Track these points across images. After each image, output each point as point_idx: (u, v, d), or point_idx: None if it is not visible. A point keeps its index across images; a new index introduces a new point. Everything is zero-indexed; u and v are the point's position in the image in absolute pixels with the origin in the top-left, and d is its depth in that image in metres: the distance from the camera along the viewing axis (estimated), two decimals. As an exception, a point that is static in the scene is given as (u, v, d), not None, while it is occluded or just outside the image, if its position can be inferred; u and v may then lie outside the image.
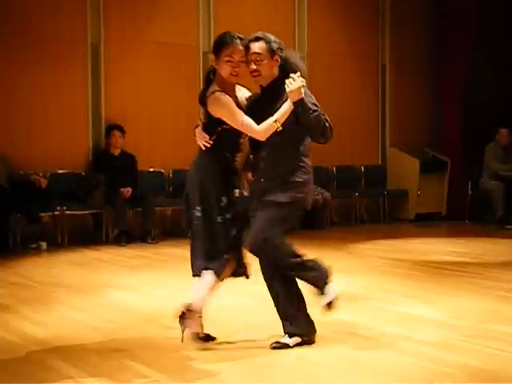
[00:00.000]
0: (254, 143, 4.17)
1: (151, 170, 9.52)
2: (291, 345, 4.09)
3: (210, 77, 4.12)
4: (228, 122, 4.01)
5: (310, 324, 4.21)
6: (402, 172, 11.29)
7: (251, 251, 4.11)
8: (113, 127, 9.08)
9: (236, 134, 4.10)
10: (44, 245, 8.29)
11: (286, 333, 4.16)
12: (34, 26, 8.80)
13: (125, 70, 9.36)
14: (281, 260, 4.13)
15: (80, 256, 7.85)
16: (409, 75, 11.71)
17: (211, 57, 4.14)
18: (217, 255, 4.07)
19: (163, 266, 7.19)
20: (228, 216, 4.10)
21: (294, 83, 3.99)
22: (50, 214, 8.47)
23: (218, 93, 4.00)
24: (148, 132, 9.54)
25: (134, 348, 4.14)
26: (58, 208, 8.47)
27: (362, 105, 11.40)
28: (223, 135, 4.06)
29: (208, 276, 4.05)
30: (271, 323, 4.35)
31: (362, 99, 11.41)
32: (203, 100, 4.06)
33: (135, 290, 5.91)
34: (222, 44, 4.07)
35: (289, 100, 4.01)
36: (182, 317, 4.03)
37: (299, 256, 4.18)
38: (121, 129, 9.06)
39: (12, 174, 8.39)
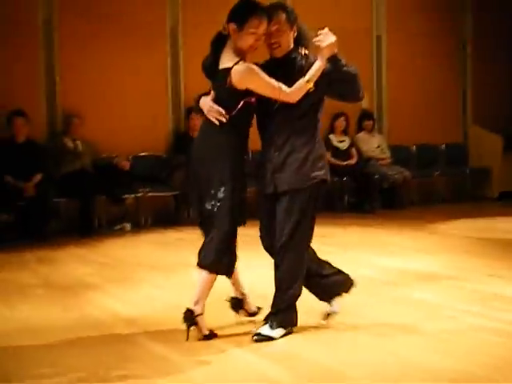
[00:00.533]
0: (262, 117, 3.92)
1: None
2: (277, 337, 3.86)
3: (219, 46, 3.85)
4: (260, 91, 3.75)
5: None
6: (485, 149, 11.04)
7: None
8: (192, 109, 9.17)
9: (253, 108, 3.86)
10: (128, 226, 8.50)
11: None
12: (114, 8, 8.96)
13: (203, 52, 9.40)
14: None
15: (162, 236, 8.01)
16: (490, 50, 11.41)
17: (231, 26, 3.79)
18: (229, 248, 3.94)
19: (245, 245, 7.23)
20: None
21: (327, 37, 3.83)
22: (133, 195, 8.66)
23: (244, 63, 3.74)
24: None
25: (217, 325, 4.17)
26: (141, 190, 8.65)
27: (442, 82, 11.18)
28: (245, 109, 3.81)
29: (211, 275, 3.94)
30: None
31: (443, 76, 11.19)
32: (220, 72, 3.78)
33: (217, 269, 5.97)
34: (249, 14, 3.75)
35: (319, 59, 3.79)
36: (188, 315, 3.89)
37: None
38: (200, 111, 9.12)
39: (96, 158, 8.62)
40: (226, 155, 3.83)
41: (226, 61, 3.79)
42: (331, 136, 10.08)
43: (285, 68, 3.87)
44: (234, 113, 3.79)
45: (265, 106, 3.86)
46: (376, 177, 9.89)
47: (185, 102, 9.35)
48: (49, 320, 4.44)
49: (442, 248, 6.80)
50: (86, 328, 4.24)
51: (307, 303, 4.16)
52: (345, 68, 3.89)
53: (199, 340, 3.90)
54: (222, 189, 3.82)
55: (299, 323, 4.04)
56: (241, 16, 3.77)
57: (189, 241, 7.64)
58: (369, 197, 9.77)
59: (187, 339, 3.88)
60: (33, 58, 8.61)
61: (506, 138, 10.84)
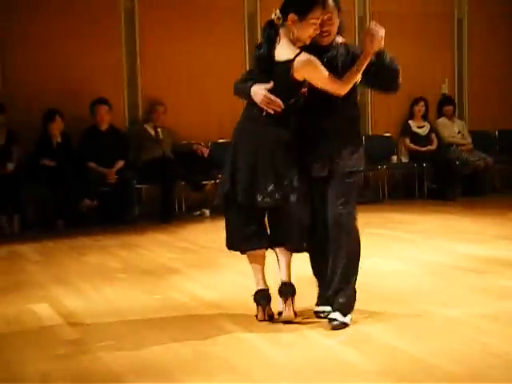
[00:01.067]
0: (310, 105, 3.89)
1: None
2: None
3: (272, 36, 3.79)
4: (319, 83, 3.76)
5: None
6: None
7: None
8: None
9: (304, 99, 3.88)
10: (207, 212, 8.60)
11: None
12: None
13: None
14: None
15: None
16: None
17: (291, 16, 3.74)
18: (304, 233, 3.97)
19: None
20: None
21: (379, 31, 3.82)
22: (212, 181, 8.75)
23: (306, 54, 3.74)
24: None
25: (303, 311, 4.19)
26: (220, 176, 8.70)
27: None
28: (299, 100, 3.85)
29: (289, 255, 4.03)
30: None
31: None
32: (280, 64, 3.77)
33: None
34: (311, 4, 3.73)
35: (367, 50, 3.78)
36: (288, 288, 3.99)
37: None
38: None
39: (176, 144, 8.75)
40: (288, 147, 3.88)
41: (286, 52, 3.78)
42: (410, 122, 9.95)
43: (328, 55, 3.88)
44: (291, 103, 3.82)
45: (312, 95, 3.86)
46: (457, 163, 9.71)
47: (263, 88, 9.37)
48: (132, 303, 4.55)
49: (526, 236, 6.63)
50: (168, 310, 4.32)
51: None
52: (388, 64, 3.90)
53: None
54: (296, 177, 3.87)
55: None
56: (303, 6, 3.76)
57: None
58: (449, 184, 9.59)
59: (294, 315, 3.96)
60: (114, 47, 8.78)
61: None
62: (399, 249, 6.11)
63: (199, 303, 4.49)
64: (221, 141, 9.14)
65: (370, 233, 6.97)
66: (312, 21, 3.75)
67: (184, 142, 8.86)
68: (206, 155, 8.64)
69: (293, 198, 3.88)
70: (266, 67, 3.84)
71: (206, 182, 8.69)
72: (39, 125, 8.06)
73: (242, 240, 4.06)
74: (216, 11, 9.19)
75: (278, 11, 3.78)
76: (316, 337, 3.74)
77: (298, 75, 3.75)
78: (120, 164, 8.20)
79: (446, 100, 10.25)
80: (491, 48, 10.61)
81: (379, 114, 9.49)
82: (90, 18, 8.60)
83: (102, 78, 8.65)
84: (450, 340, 3.60)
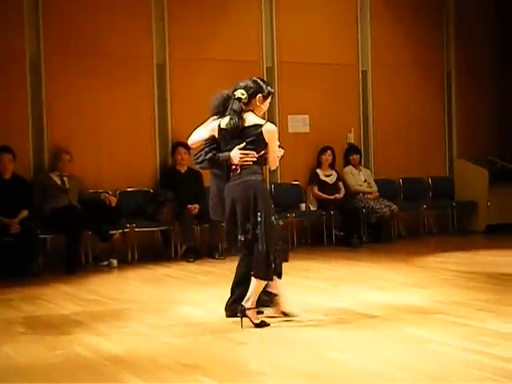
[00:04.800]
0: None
1: (217, 186, 9.56)
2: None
3: (241, 109, 5.04)
4: (271, 149, 5.08)
5: None
6: (471, 183, 11.08)
7: None
8: (178, 144, 9.18)
9: None
10: (115, 262, 8.43)
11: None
12: (101, 46, 9.00)
13: (190, 87, 9.48)
14: None
15: (150, 272, 7.96)
16: (475, 82, 11.54)
17: (260, 97, 5.14)
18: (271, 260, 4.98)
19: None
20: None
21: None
22: (120, 231, 8.61)
23: (273, 125, 5.15)
24: (214, 148, 9.60)
25: (207, 364, 4.16)
26: (128, 225, 8.61)
27: (428, 116, 11.28)
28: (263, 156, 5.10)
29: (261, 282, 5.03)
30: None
31: (428, 110, 11.28)
32: (253, 126, 5.04)
33: (205, 305, 5.94)
34: (271, 91, 5.26)
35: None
36: (240, 309, 4.95)
37: None
38: (185, 146, 9.07)
39: (82, 193, 8.59)
40: (260, 190, 5.03)
41: (255, 119, 5.10)
42: (318, 170, 10.12)
43: None
44: (260, 155, 5.07)
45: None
46: (363, 211, 9.91)
47: (172, 136, 9.38)
48: (33, 359, 4.37)
49: (431, 282, 6.78)
50: (71, 367, 4.18)
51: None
52: None
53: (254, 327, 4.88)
54: (259, 214, 4.94)
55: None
56: (268, 92, 5.26)
57: (176, 277, 7.61)
58: (356, 231, 9.77)
59: (241, 327, 4.90)
60: (19, 95, 8.61)
61: (492, 172, 10.90)
62: (306, 296, 6.14)
63: (103, 358, 4.35)
64: (129, 189, 9.06)
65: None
66: (268, 101, 5.23)
67: (91, 190, 8.71)
68: (113, 204, 8.50)
69: (257, 231, 4.96)
70: (236, 133, 5.01)
71: (114, 232, 8.54)
72: None
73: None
74: (124, 60, 9.15)
75: (243, 91, 5.07)
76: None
77: (266, 136, 5.02)
78: (24, 214, 7.96)
79: (352, 149, 10.49)
80: (395, 98, 10.96)
81: (287, 163, 9.60)
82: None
83: (6, 126, 8.45)
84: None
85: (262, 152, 5.06)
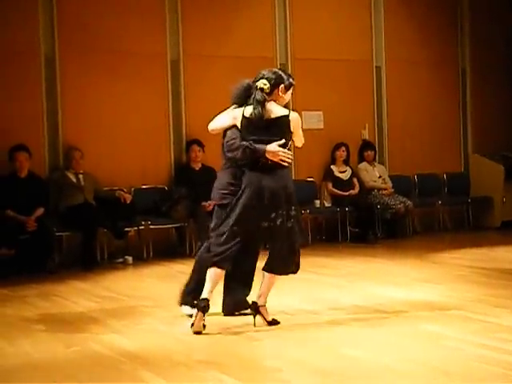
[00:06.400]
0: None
1: (232, 182, 9.57)
2: None
3: (264, 99, 4.93)
4: (297, 135, 5.04)
5: None
6: (486, 179, 11.03)
7: None
8: (192, 142, 9.21)
9: None
10: (130, 259, 8.47)
11: None
12: (115, 43, 9.03)
13: (204, 84, 9.50)
14: None
15: (165, 269, 7.98)
16: (490, 79, 11.49)
17: (282, 87, 5.02)
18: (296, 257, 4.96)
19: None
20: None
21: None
22: (135, 228, 8.64)
23: (296, 113, 5.02)
24: (228, 145, 9.61)
25: (221, 360, 4.17)
26: (143, 222, 8.64)
27: (442, 111, 11.23)
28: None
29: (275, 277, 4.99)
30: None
31: (443, 106, 11.24)
32: (279, 118, 4.92)
33: (219, 302, 5.93)
34: (292, 82, 5.12)
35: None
36: (255, 308, 4.92)
37: None
38: (199, 143, 9.18)
39: (98, 191, 8.63)
40: (291, 185, 5.02)
41: (280, 110, 4.98)
42: (332, 167, 10.11)
43: None
44: (287, 148, 4.97)
45: None
46: (378, 207, 9.89)
47: (187, 133, 9.40)
48: (50, 355, 4.41)
49: (446, 278, 6.76)
50: (87, 363, 4.21)
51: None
52: None
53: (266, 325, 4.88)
54: (293, 208, 4.90)
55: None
56: (289, 82, 5.15)
57: (191, 273, 7.61)
58: (371, 227, 9.76)
59: (254, 325, 4.87)
60: (34, 93, 8.66)
61: (508, 167, 10.84)
62: (322, 292, 6.14)
63: (118, 354, 4.37)
64: (144, 187, 9.09)
65: (294, 277, 7.01)
66: (290, 92, 5.12)
67: (106, 188, 8.75)
68: (128, 202, 8.54)
69: (289, 224, 4.90)
70: (261, 124, 4.89)
71: (129, 229, 8.57)
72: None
73: None
74: (139, 57, 9.18)
75: (266, 81, 4.96)
76: None
77: (292, 126, 4.96)
78: (40, 211, 8.01)
79: (366, 145, 10.47)
80: (409, 94, 10.93)
81: (302, 159, 9.60)
82: (10, 64, 8.48)
83: (22, 124, 8.50)
84: (371, 385, 3.61)
85: (290, 142, 5.04)
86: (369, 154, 10.38)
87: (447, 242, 9.86)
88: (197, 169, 9.20)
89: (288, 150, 4.94)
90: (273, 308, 5.07)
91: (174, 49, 9.43)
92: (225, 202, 5.07)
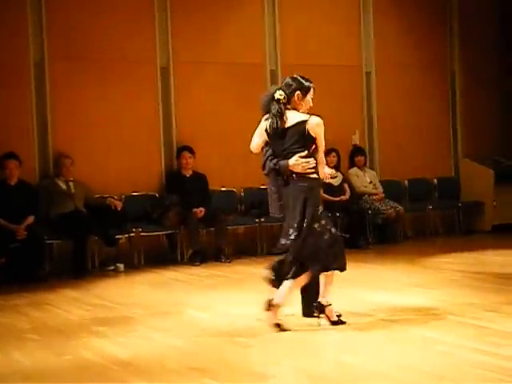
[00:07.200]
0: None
1: (223, 189, 9.60)
2: None
3: (282, 110, 5.01)
4: (320, 139, 5.04)
5: None
6: (476, 183, 11.07)
7: None
8: (182, 149, 9.21)
9: None
10: (121, 266, 8.44)
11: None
12: (104, 50, 9.04)
13: (194, 90, 9.51)
14: None
15: (156, 276, 7.96)
16: (479, 81, 11.52)
17: (298, 94, 5.10)
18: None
19: (238, 284, 7.23)
20: None
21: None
22: (126, 235, 8.62)
23: (317, 117, 5.06)
24: (218, 151, 9.63)
25: (214, 367, 4.16)
26: (134, 230, 8.62)
27: (432, 115, 11.26)
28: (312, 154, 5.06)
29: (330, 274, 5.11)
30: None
31: (433, 110, 11.27)
32: (295, 125, 4.99)
33: (212, 308, 5.95)
34: (310, 86, 5.22)
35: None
36: (319, 306, 5.00)
37: None
38: (190, 150, 9.18)
39: (88, 198, 8.61)
40: (311, 197, 5.04)
41: (298, 117, 5.05)
42: (323, 172, 10.09)
43: None
44: (305, 155, 5.02)
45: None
46: (369, 212, 9.90)
47: (177, 140, 9.40)
48: (41, 364, 4.38)
49: (437, 283, 6.77)
50: (79, 372, 4.18)
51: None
52: None
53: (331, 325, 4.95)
54: (305, 221, 4.96)
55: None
56: (306, 88, 5.25)
57: (183, 281, 7.62)
58: (362, 232, 9.76)
59: (319, 325, 4.97)
60: (24, 101, 8.64)
61: (498, 172, 10.88)
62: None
63: (110, 362, 4.35)
64: (134, 194, 9.07)
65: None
66: (310, 96, 5.19)
67: (97, 195, 8.73)
68: (119, 209, 8.52)
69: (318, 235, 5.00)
70: (280, 134, 4.99)
71: (120, 237, 8.55)
72: None
73: None
74: (129, 64, 9.18)
75: (281, 92, 5.06)
76: None
77: (312, 131, 4.98)
78: (30, 219, 7.98)
79: (357, 150, 10.48)
80: (399, 98, 10.95)
81: (292, 165, 9.59)
82: (-1, 72, 8.48)
83: (12, 132, 8.48)
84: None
85: (313, 147, 5.03)
86: (359, 159, 10.39)
87: (438, 246, 9.88)
88: (188, 175, 9.19)
89: (311, 157, 4.98)
90: (263, 315, 5.06)
91: (163, 55, 9.43)
92: None
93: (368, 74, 10.83)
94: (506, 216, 10.86)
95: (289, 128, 5.00)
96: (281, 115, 5.00)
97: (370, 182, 10.36)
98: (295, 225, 4.94)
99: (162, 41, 9.42)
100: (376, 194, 10.23)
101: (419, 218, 10.78)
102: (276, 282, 5.01)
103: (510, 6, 11.44)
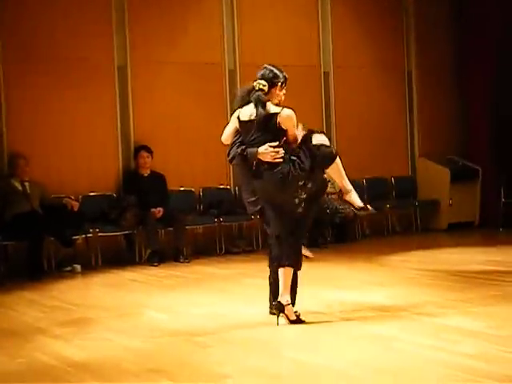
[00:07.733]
0: None
1: (181, 188, 9.56)
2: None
3: (263, 97, 5.04)
4: (290, 132, 5.06)
5: None
6: (433, 182, 11.22)
7: None
8: (140, 148, 9.15)
9: None
10: (78, 267, 8.35)
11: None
12: (60, 50, 8.92)
13: (152, 90, 9.44)
14: None
15: (114, 277, 7.90)
16: (435, 81, 11.66)
17: (278, 86, 5.20)
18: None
19: (197, 284, 7.21)
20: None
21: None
22: (83, 236, 8.52)
23: (289, 110, 5.06)
24: (177, 151, 9.59)
25: (172, 368, 4.14)
26: (91, 230, 8.54)
27: (389, 115, 11.37)
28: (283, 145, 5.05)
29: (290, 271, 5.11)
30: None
31: (390, 110, 11.38)
32: (271, 117, 5.00)
33: (170, 309, 5.92)
34: (286, 80, 5.25)
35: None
36: (277, 305, 4.99)
37: None
38: (148, 149, 9.12)
39: (44, 198, 8.49)
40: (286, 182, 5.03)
41: (273, 108, 5.07)
42: (282, 172, 10.12)
43: None
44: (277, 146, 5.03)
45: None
46: (328, 211, 9.95)
47: (134, 139, 9.33)
48: (-4, 368, 4.31)
49: (394, 280, 6.84)
50: (34, 375, 4.12)
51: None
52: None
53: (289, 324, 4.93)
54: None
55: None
56: (284, 80, 5.31)
57: (141, 281, 7.56)
58: (320, 231, 9.80)
59: (277, 324, 4.93)
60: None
61: (453, 171, 11.03)
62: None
63: (66, 364, 4.30)
64: (91, 194, 8.98)
65: (245, 282, 7.03)
66: (284, 90, 5.25)
67: (53, 196, 8.61)
68: (76, 209, 8.42)
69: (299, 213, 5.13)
70: (253, 125, 5.02)
71: (77, 237, 8.45)
72: None
73: None
74: (85, 63, 9.07)
75: (264, 81, 5.11)
76: None
77: (283, 124, 5.01)
78: (-16, 220, 7.86)
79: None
80: (357, 99, 11.02)
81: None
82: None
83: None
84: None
85: (283, 139, 5.05)
86: (317, 158, 10.41)
87: (396, 244, 9.97)
88: (145, 175, 9.13)
89: (281, 147, 4.98)
90: (222, 315, 5.05)
91: (120, 55, 9.34)
92: None
93: (326, 74, 10.88)
94: (462, 214, 11.05)
95: (263, 119, 5.02)
96: (263, 103, 5.01)
97: (329, 182, 10.37)
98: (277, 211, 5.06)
99: (119, 40, 9.33)
100: (334, 194, 10.28)
101: (377, 217, 10.86)
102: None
103: (467, 7, 11.58)
